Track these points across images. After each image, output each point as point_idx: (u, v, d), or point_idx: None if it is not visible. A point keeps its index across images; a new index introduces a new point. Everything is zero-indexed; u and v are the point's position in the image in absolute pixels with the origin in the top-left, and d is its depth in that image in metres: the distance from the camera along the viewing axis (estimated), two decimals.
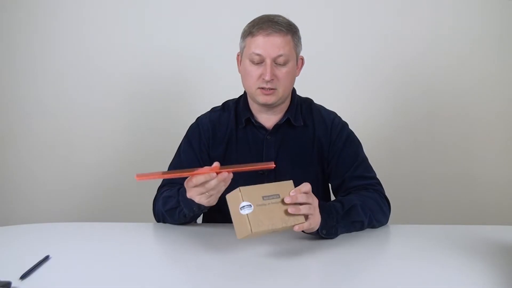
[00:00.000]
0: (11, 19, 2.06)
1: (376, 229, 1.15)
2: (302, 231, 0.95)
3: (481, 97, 2.04)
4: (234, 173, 0.97)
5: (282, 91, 1.15)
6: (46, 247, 0.99)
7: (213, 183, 0.93)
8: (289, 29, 1.14)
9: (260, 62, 1.12)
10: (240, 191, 0.88)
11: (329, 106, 1.32)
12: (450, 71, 2.03)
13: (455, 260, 0.93)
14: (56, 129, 2.11)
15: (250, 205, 0.87)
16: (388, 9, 2.00)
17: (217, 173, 0.93)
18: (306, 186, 0.94)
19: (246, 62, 1.15)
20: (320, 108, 1.29)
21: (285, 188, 0.93)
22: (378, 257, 0.98)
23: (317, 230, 0.99)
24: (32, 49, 2.07)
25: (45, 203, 2.14)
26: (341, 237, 1.06)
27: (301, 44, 1.20)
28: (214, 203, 1.00)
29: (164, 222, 1.18)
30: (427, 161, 2.08)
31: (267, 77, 1.11)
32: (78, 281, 0.84)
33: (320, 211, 0.97)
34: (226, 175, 0.94)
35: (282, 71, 1.13)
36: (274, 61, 1.12)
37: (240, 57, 1.21)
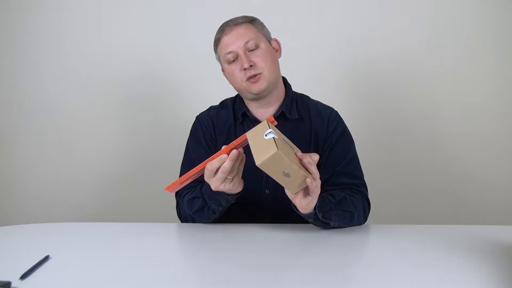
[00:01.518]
0: (10, 20, 2.06)
1: (374, 229, 1.15)
2: (299, 213, 1.01)
3: (481, 96, 2.04)
4: None
5: (268, 72, 1.18)
6: (46, 247, 0.99)
7: (227, 164, 0.96)
8: (245, 20, 1.20)
9: (235, 58, 1.18)
10: (267, 122, 0.94)
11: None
12: (450, 71, 2.03)
13: (455, 260, 0.93)
14: (55, 129, 2.11)
15: (274, 134, 0.91)
16: (387, 8, 2.00)
17: (228, 155, 0.97)
18: (316, 156, 0.98)
19: (226, 66, 1.21)
20: (317, 103, 1.31)
21: (296, 149, 0.99)
22: (377, 257, 0.98)
23: (315, 212, 1.02)
24: (33, 50, 2.07)
25: (45, 203, 2.14)
26: (338, 236, 1.07)
27: (266, 28, 1.25)
28: (240, 188, 1.04)
29: (193, 222, 1.19)
30: (427, 161, 2.08)
31: (246, 64, 1.15)
32: (78, 281, 0.84)
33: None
34: (236, 153, 0.96)
35: (257, 54, 1.17)
36: (246, 49, 1.17)
37: (223, 71, 1.26)
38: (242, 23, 1.19)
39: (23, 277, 0.83)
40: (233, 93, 1.33)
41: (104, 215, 2.09)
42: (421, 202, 2.09)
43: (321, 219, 1.04)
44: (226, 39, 1.18)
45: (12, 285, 0.80)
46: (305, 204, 0.99)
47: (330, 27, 2.02)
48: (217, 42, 1.22)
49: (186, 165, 1.27)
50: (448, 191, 2.08)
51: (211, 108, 1.33)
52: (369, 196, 1.22)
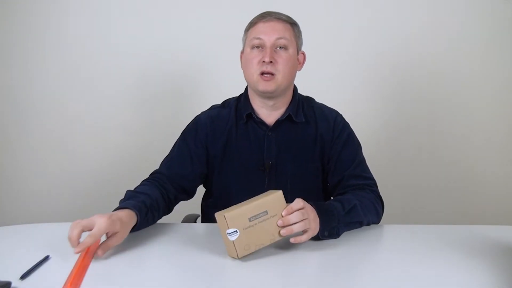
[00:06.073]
0: (9, 19, 2.06)
1: (376, 228, 1.15)
2: None
3: (481, 97, 2.04)
4: (237, 169, 0.99)
5: (282, 77, 1.15)
6: (46, 247, 0.99)
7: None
8: (287, 20, 1.18)
9: (261, 46, 1.15)
10: (225, 218, 0.88)
11: (329, 106, 1.32)
12: (451, 71, 2.03)
13: (456, 260, 0.93)
14: (55, 130, 2.11)
15: (236, 231, 0.88)
16: (389, 9, 2.00)
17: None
18: (298, 204, 0.94)
19: (248, 50, 1.18)
20: (322, 106, 1.30)
21: (275, 203, 0.92)
22: (378, 257, 0.98)
23: (317, 234, 0.99)
24: (29, 51, 2.08)
25: (45, 203, 2.14)
26: (342, 236, 1.06)
27: (301, 38, 1.22)
28: (114, 229, 0.95)
29: None
30: (428, 161, 2.08)
31: (267, 59, 1.12)
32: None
33: (319, 214, 0.98)
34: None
35: (282, 56, 1.15)
36: (274, 45, 1.14)
37: (242, 53, 1.23)
38: (284, 20, 1.17)
39: (23, 277, 0.83)
40: (235, 93, 1.32)
41: None
42: (422, 202, 2.09)
43: (326, 237, 1.02)
44: (261, 26, 1.16)
45: (12, 285, 0.80)
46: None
47: (330, 25, 2.02)
48: (252, 25, 1.18)
49: (166, 159, 1.27)
50: (449, 192, 2.08)
51: (213, 107, 1.31)
52: None
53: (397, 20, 2.01)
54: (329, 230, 1.01)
